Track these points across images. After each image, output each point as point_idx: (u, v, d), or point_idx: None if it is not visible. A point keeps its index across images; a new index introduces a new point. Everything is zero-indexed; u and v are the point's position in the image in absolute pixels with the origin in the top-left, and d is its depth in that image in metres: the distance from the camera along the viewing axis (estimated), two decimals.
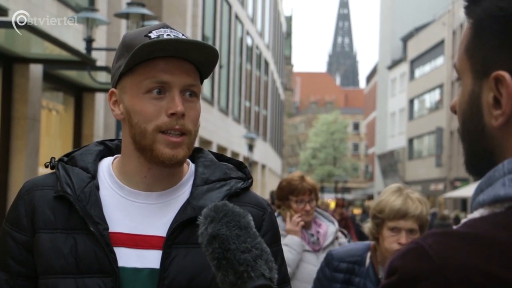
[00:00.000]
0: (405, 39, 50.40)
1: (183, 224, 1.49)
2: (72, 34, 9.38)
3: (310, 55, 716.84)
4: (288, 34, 60.60)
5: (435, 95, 43.29)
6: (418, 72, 46.90)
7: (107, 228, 1.47)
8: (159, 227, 1.50)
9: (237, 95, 24.71)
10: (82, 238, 1.47)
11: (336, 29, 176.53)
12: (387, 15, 57.29)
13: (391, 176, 48.92)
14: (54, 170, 1.57)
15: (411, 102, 47.91)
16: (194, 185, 1.55)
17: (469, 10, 0.98)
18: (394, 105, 52.48)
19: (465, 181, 33.41)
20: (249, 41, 27.35)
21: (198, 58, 1.50)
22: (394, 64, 52.50)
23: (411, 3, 53.38)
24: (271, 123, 36.92)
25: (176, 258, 1.48)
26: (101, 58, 10.18)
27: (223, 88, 21.90)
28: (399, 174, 47.44)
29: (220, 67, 21.21)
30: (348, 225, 11.05)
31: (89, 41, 8.37)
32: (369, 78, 70.99)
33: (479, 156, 0.98)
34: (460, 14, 35.91)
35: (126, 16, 8.63)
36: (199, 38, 17.51)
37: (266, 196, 23.52)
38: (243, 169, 1.64)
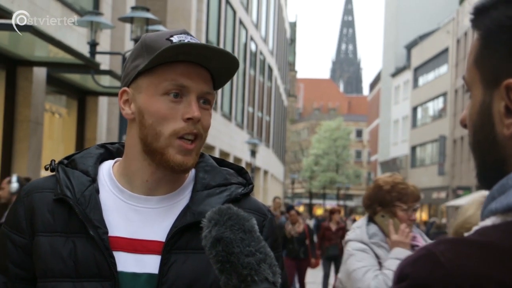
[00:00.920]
0: (409, 47, 50.44)
1: (183, 230, 1.48)
2: (76, 37, 9.39)
3: (313, 61, 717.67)
4: (292, 40, 60.69)
5: (439, 103, 43.29)
6: (421, 80, 46.91)
7: (107, 232, 1.46)
8: (159, 232, 1.49)
9: (240, 100, 24.74)
10: (81, 241, 1.47)
11: (340, 36, 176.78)
12: (391, 23, 57.36)
13: None
14: (54, 173, 1.57)
15: (414, 110, 47.91)
16: (194, 190, 1.54)
17: (476, 22, 0.98)
18: (397, 113, 52.48)
19: (467, 190, 33.36)
20: (253, 46, 27.39)
21: (217, 67, 1.49)
22: (398, 71, 52.52)
23: (416, 11, 53.45)
24: (274, 129, 36.93)
25: (175, 263, 1.47)
26: (104, 62, 10.19)
27: (226, 93, 21.92)
28: None
29: None
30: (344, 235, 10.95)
31: (93, 44, 8.39)
32: (373, 85, 71.04)
33: (491, 167, 0.97)
34: (465, 23, 35.92)
35: (130, 20, 8.64)
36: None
37: (269, 202, 23.50)
38: (243, 175, 1.63)
